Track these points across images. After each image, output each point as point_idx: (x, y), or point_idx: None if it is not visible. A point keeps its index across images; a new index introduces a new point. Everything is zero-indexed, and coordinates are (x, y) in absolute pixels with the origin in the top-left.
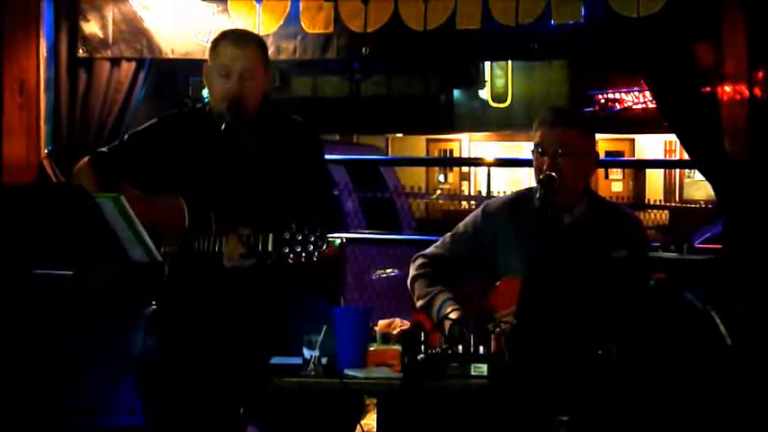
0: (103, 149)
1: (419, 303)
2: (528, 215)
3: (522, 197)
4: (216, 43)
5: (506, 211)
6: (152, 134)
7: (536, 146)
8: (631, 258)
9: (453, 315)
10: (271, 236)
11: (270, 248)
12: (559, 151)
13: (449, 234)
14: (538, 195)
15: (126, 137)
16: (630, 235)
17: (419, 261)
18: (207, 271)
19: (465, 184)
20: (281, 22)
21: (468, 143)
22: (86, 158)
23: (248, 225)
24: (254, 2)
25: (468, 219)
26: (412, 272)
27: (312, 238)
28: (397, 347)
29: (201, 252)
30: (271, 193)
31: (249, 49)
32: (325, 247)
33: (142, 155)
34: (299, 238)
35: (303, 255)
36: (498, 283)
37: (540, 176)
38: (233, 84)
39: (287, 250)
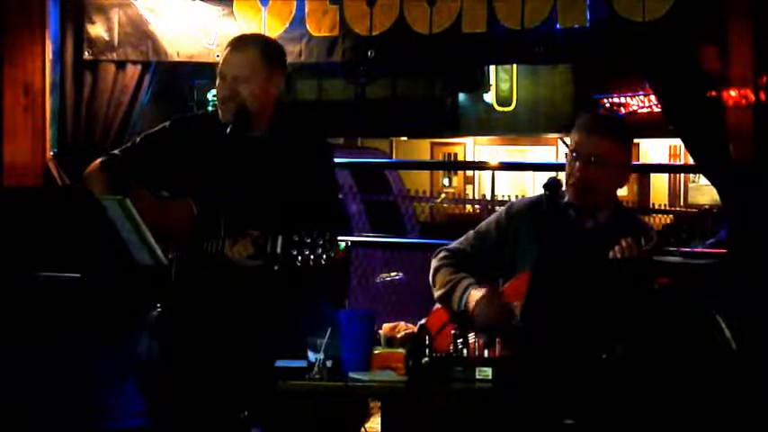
0: (115, 152)
1: (439, 293)
2: (547, 217)
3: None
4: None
5: (528, 213)
6: (164, 136)
7: (571, 150)
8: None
9: (478, 292)
10: (280, 237)
11: (278, 250)
12: (592, 159)
13: (472, 231)
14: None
15: (138, 139)
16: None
17: (442, 254)
18: (215, 273)
19: (469, 187)
20: (287, 25)
21: (472, 147)
22: (97, 161)
23: (257, 228)
24: (260, 5)
25: (491, 217)
26: (434, 264)
27: (321, 242)
28: (402, 351)
29: (210, 254)
30: (277, 198)
31: (244, 55)
32: (333, 253)
33: (154, 157)
34: (308, 241)
35: (311, 258)
36: (516, 277)
37: (546, 181)
38: (225, 87)
39: (295, 253)
